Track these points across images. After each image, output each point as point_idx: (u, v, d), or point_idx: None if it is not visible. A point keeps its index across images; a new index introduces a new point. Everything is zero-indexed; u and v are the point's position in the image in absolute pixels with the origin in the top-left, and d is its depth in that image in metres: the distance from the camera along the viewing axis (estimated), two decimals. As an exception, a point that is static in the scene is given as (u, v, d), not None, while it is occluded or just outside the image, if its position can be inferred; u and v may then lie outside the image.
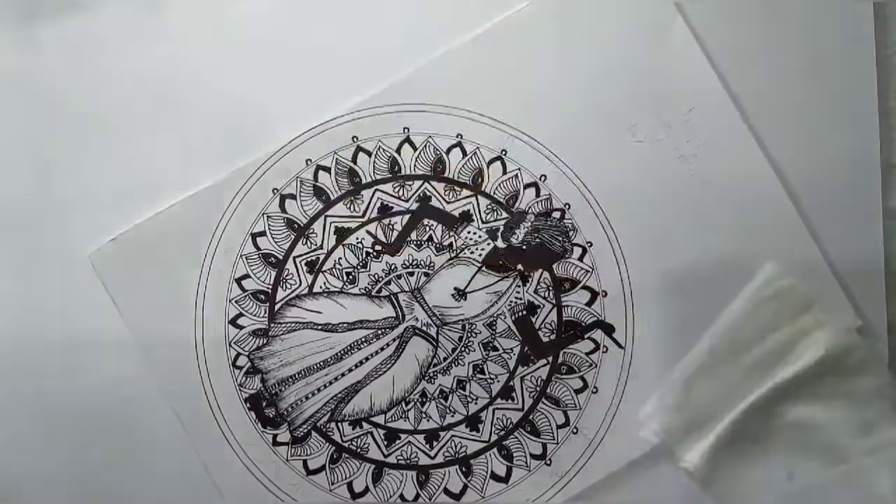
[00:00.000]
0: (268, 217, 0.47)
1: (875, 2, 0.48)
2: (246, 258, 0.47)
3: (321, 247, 0.47)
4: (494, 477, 0.46)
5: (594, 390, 0.47)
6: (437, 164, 0.47)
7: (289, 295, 0.47)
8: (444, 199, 0.47)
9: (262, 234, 0.47)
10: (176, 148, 0.47)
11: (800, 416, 0.47)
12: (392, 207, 0.47)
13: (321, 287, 0.47)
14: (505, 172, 0.47)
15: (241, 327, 0.47)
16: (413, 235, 0.47)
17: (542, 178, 0.47)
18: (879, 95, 0.48)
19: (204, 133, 0.47)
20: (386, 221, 0.47)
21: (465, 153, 0.47)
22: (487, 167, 0.47)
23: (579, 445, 0.47)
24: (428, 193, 0.47)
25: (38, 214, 0.47)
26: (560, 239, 0.47)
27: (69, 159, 0.46)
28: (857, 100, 0.48)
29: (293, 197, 0.47)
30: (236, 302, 0.47)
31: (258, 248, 0.47)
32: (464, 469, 0.46)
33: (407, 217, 0.47)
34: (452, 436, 0.47)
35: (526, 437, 0.47)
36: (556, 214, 0.47)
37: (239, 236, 0.47)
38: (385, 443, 0.46)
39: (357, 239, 0.47)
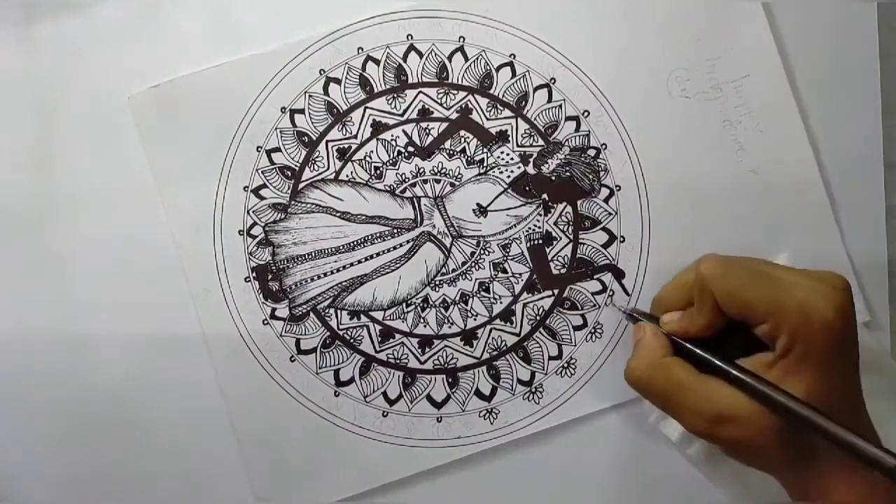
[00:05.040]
0: (309, 96, 0.47)
1: (879, 1, 0.48)
2: (280, 132, 0.47)
3: (355, 136, 0.47)
4: (478, 394, 0.47)
5: (592, 330, 0.47)
6: (485, 80, 0.47)
7: (315, 176, 0.47)
8: (484, 114, 0.47)
9: (301, 111, 0.47)
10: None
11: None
12: (433, 112, 0.47)
13: (347, 175, 0.47)
14: (550, 101, 0.47)
15: (262, 198, 0.47)
16: (447, 144, 0.47)
17: (585, 114, 0.47)
18: (882, 94, 0.48)
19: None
20: (424, 125, 0.47)
21: (514, 74, 0.47)
22: (534, 92, 0.47)
23: (567, 380, 0.47)
24: (470, 106, 0.47)
25: (37, 214, 0.46)
26: (590, 177, 0.47)
27: (69, 159, 0.46)
28: (860, 99, 0.48)
29: (338, 82, 0.47)
30: (262, 172, 0.47)
31: (294, 125, 0.47)
32: (450, 380, 0.47)
33: (445, 125, 0.47)
34: (445, 346, 0.47)
35: (517, 362, 0.47)
36: (591, 153, 0.47)
37: (277, 109, 0.47)
38: (379, 339, 0.47)
39: (392, 136, 0.47)
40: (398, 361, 0.47)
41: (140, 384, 0.46)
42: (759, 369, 0.37)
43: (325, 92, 0.47)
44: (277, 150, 0.47)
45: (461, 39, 0.47)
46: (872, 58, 0.48)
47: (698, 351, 0.39)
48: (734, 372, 0.37)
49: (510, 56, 0.47)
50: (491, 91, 0.47)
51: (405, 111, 0.47)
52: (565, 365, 0.47)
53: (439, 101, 0.47)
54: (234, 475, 0.46)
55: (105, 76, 0.46)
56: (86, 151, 0.47)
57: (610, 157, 0.47)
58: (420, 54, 0.47)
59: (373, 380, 0.47)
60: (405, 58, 0.47)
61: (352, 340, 0.47)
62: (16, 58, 0.46)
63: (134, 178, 0.46)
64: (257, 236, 0.47)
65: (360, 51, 0.47)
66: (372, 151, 0.47)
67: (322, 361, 0.47)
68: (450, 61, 0.47)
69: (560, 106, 0.47)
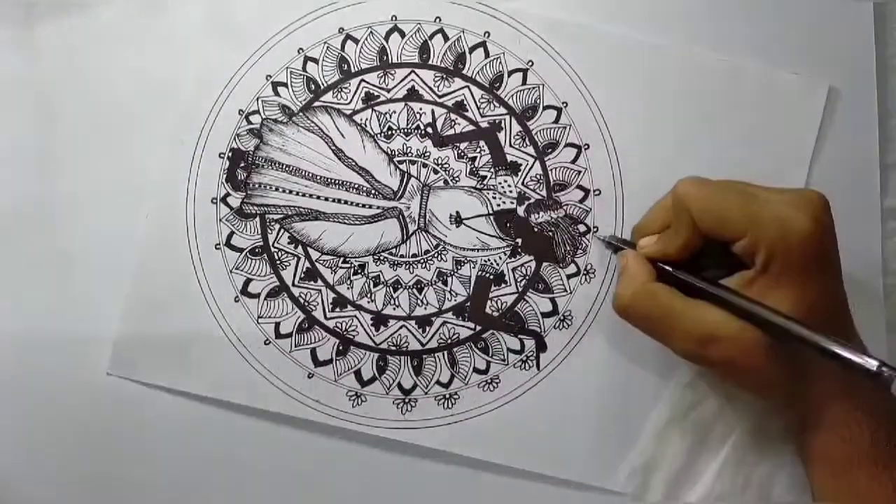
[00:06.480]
0: (371, 32, 0.47)
1: (875, 2, 0.47)
2: (327, 48, 0.47)
3: (389, 90, 0.47)
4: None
5: (489, 380, 0.47)
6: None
7: (334, 103, 0.47)
8: (510, 140, 0.47)
9: (356, 41, 0.47)
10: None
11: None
12: (466, 111, 0.47)
13: (360, 119, 0.47)
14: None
15: (278, 94, 0.47)
16: (463, 145, 0.47)
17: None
18: (879, 96, 0.47)
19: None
20: (453, 117, 0.47)
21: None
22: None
23: (443, 411, 0.46)
24: (499, 123, 0.47)
25: (38, 214, 0.47)
26: (568, 248, 0.47)
27: (69, 159, 0.47)
28: (856, 100, 0.47)
29: (402, 34, 0.47)
30: (291, 72, 0.47)
31: (342, 49, 0.47)
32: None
33: (472, 128, 0.47)
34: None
35: (408, 369, 0.47)
36: (582, 228, 0.47)
37: (335, 28, 0.47)
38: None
39: (420, 109, 0.47)
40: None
41: (139, 384, 0.46)
42: (740, 287, 0.36)
43: (387, 39, 0.47)
44: (314, 61, 0.47)
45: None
46: (869, 58, 0.47)
47: (681, 274, 0.38)
48: (715, 291, 0.36)
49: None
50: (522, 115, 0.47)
51: (444, 96, 0.47)
52: (447, 396, 0.46)
53: (479, 104, 0.47)
54: (235, 474, 0.46)
55: (105, 76, 0.47)
56: (86, 151, 0.46)
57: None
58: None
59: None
60: (471, 50, 0.47)
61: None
62: (16, 58, 0.47)
63: (134, 177, 0.46)
64: (252, 123, 0.47)
65: (437, 20, 0.47)
66: (395, 112, 0.47)
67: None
68: (509, 76, 0.47)
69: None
